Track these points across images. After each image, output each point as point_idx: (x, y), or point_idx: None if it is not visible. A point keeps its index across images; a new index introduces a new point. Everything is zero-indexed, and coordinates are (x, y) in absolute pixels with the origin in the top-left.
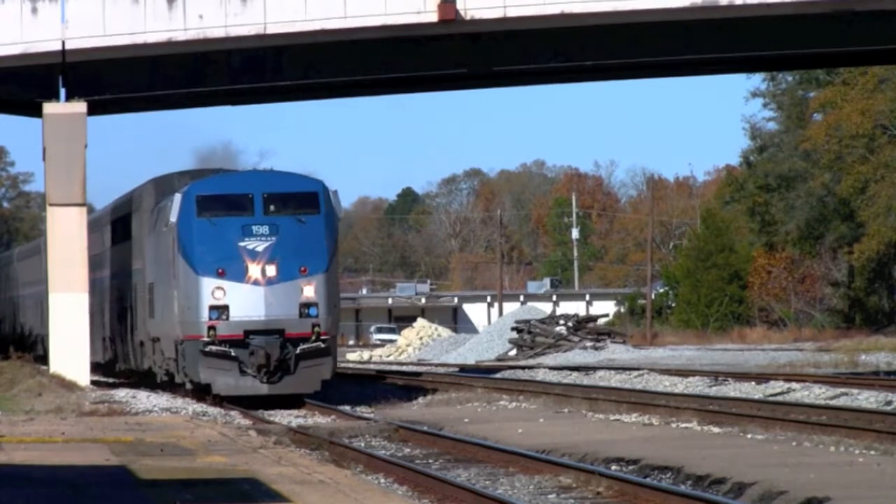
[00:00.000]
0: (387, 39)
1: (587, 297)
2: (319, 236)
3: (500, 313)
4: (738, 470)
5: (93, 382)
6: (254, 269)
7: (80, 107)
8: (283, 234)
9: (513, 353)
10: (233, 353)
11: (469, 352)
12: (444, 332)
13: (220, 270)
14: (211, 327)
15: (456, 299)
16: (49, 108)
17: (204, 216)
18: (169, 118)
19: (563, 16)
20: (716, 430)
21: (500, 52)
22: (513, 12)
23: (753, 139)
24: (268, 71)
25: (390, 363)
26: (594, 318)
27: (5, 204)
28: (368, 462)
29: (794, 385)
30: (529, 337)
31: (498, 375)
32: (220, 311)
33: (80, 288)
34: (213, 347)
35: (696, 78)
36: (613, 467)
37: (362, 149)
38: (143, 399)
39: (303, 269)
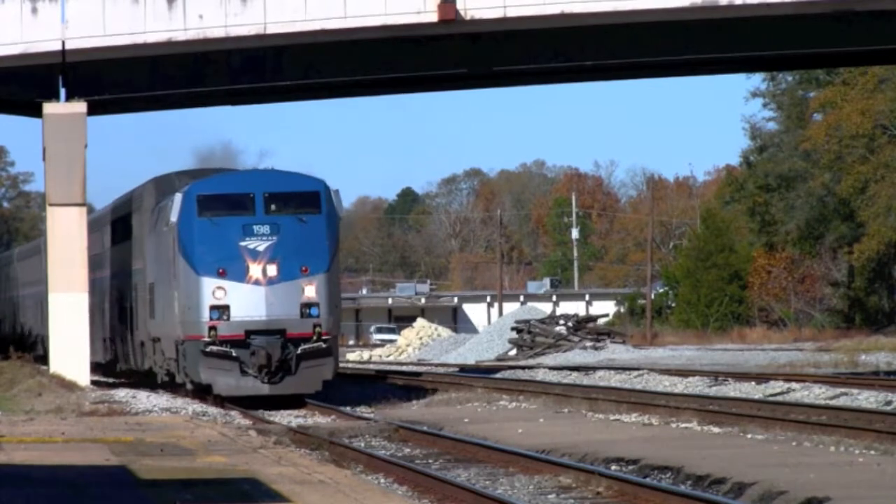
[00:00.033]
0: (387, 39)
1: (587, 297)
2: (321, 236)
3: (500, 313)
4: (738, 470)
5: (93, 382)
6: (255, 269)
7: (80, 107)
8: (284, 234)
9: (513, 353)
10: (234, 354)
11: (469, 352)
12: (444, 332)
13: (220, 270)
14: (212, 327)
15: (456, 299)
16: (49, 108)
17: (205, 216)
18: (169, 118)
19: (563, 16)
20: (716, 430)
21: (500, 52)
22: (513, 12)
23: (753, 139)
24: (268, 71)
25: (390, 363)
26: (594, 318)
27: (5, 204)
28: (368, 462)
29: (794, 385)
30: (529, 337)
31: (498, 375)
32: (221, 311)
33: (80, 288)
34: (214, 348)
35: (696, 78)
36: (613, 467)
37: (362, 149)
38: (143, 399)
39: (304, 268)
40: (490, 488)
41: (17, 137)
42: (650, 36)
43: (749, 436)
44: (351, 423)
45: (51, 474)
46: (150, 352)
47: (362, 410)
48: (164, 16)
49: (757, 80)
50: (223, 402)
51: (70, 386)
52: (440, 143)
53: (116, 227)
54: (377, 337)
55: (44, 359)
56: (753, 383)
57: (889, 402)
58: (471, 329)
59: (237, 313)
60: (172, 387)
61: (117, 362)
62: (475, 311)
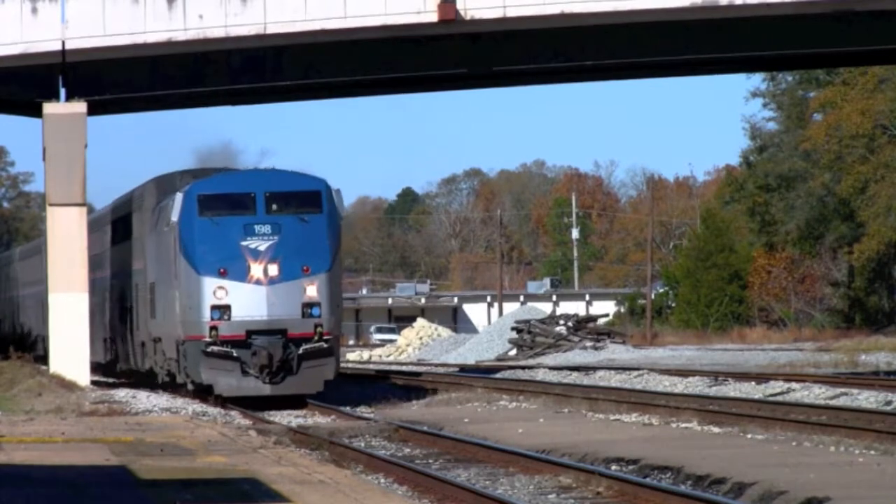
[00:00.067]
0: (387, 39)
1: (587, 297)
2: (322, 235)
3: (500, 313)
4: (738, 470)
5: (93, 382)
6: (256, 269)
7: (80, 107)
8: (285, 234)
9: (513, 353)
10: (235, 354)
11: (469, 352)
12: (444, 332)
13: (221, 270)
14: (213, 327)
15: (456, 299)
16: (49, 108)
17: (206, 215)
18: (169, 118)
19: (563, 16)
20: (716, 430)
21: (500, 52)
22: (513, 12)
23: (753, 139)
24: (268, 71)
25: (390, 363)
26: (594, 318)
27: (5, 204)
28: (368, 462)
29: (794, 385)
30: (529, 337)
31: (498, 375)
32: (222, 311)
33: (80, 288)
34: (215, 348)
35: (696, 78)
36: (613, 467)
37: (362, 149)
38: (143, 399)
39: (305, 268)
40: (490, 488)
41: (17, 137)
42: (650, 36)
43: (749, 436)
44: (351, 423)
45: (51, 474)
46: (150, 352)
47: (362, 410)
48: (164, 16)
49: (757, 80)
50: (224, 402)
51: (70, 386)
52: (440, 143)
53: (117, 227)
54: (377, 337)
55: (44, 359)
56: (753, 383)
57: (889, 402)
58: (471, 329)
59: (238, 313)
60: (173, 387)
61: (118, 362)
62: (475, 311)
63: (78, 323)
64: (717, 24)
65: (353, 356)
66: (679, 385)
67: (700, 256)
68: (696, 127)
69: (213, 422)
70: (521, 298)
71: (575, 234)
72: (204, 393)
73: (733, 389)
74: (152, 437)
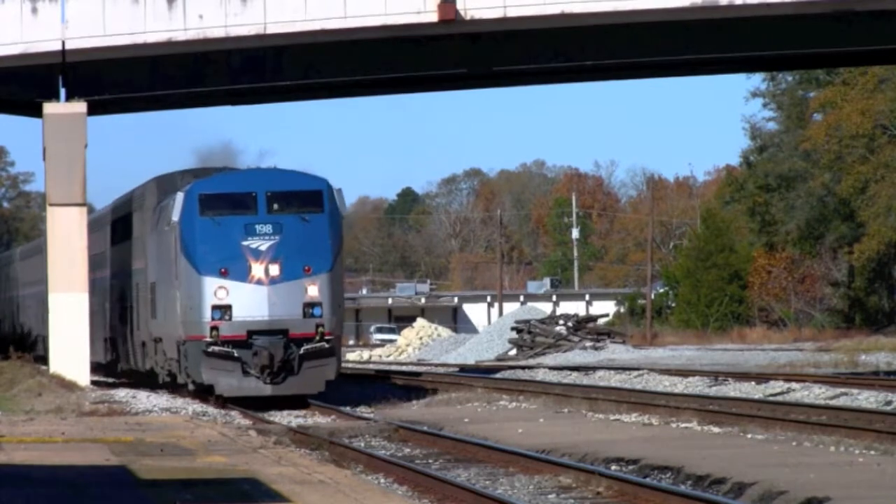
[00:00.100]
0: (387, 39)
1: (587, 297)
2: (323, 235)
3: (500, 313)
4: (738, 470)
5: (93, 382)
6: (257, 269)
7: (80, 107)
8: (286, 233)
9: (513, 353)
10: (236, 354)
11: (469, 352)
12: (444, 332)
13: (222, 270)
14: (214, 327)
15: (456, 299)
16: (49, 108)
17: (206, 215)
18: (169, 118)
19: (563, 16)
20: (716, 430)
21: (500, 52)
22: (513, 12)
23: (753, 139)
24: (268, 71)
25: (390, 363)
26: (594, 318)
27: (5, 204)
28: (368, 462)
29: (794, 385)
30: (529, 337)
31: (498, 375)
32: (223, 311)
33: (80, 288)
34: (216, 348)
35: (696, 78)
36: (613, 467)
37: (362, 149)
38: (143, 399)
39: (307, 268)
40: (490, 488)
41: (17, 137)
42: (650, 36)
43: (749, 436)
44: (351, 423)
45: (51, 474)
46: (151, 352)
47: (362, 410)
48: (164, 16)
49: (757, 80)
50: (224, 402)
51: (70, 386)
52: (440, 143)
53: (117, 227)
54: (377, 337)
55: (44, 359)
56: (753, 383)
57: (889, 402)
58: (471, 329)
59: (239, 313)
60: (174, 387)
61: (118, 362)
62: (475, 311)
63: (78, 323)
64: (717, 24)
65: (353, 356)
66: (679, 385)
67: (700, 256)
68: (696, 127)
69: (213, 422)
70: (521, 298)
71: (575, 234)
72: (205, 393)
73: (733, 389)
74: (152, 437)
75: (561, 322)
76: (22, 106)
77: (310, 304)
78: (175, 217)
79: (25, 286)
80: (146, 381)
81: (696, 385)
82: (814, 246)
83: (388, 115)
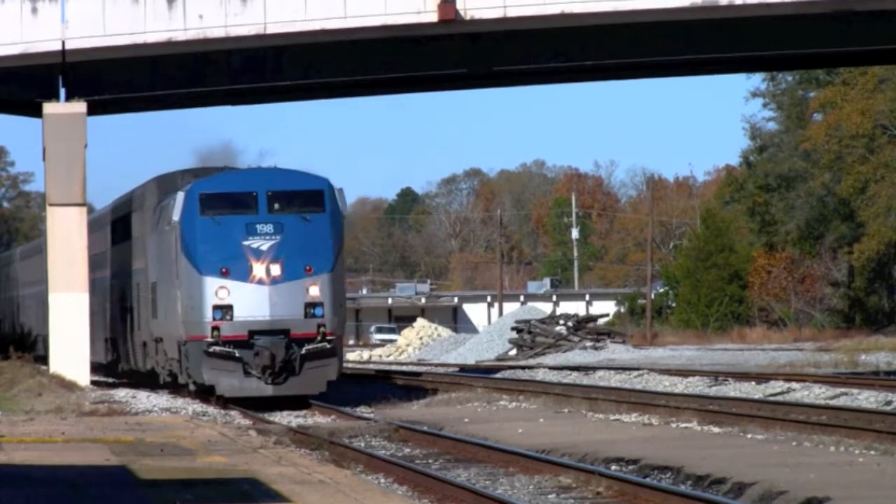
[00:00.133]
0: (387, 39)
1: (587, 297)
2: (325, 235)
3: (500, 313)
4: (738, 470)
5: (93, 382)
6: (258, 269)
7: (80, 107)
8: (287, 233)
9: (513, 353)
10: (237, 354)
11: (469, 352)
12: (444, 332)
13: (223, 270)
14: (215, 328)
15: (456, 299)
16: (49, 108)
17: (207, 215)
18: (169, 118)
19: (563, 16)
20: (716, 430)
21: (500, 52)
22: (513, 12)
23: (753, 139)
24: (268, 71)
25: (390, 363)
26: (594, 318)
27: (5, 204)
28: (368, 462)
29: (794, 385)
30: (529, 337)
31: (498, 375)
32: (224, 311)
33: (80, 288)
34: (217, 348)
35: (696, 78)
36: (613, 467)
37: (362, 149)
38: (143, 399)
39: (308, 268)
40: (490, 488)
41: (17, 137)
42: (650, 36)
43: (749, 436)
44: (351, 423)
45: (51, 474)
46: (152, 352)
47: (362, 410)
48: (164, 16)
49: (757, 80)
50: (224, 402)
51: (70, 386)
52: (440, 143)
53: (118, 227)
54: (377, 337)
55: (44, 359)
56: (753, 383)
57: (889, 402)
58: (471, 329)
59: (240, 313)
60: (175, 387)
61: (119, 363)
62: (475, 311)
63: (78, 323)
64: (717, 24)
65: (354, 356)
66: (679, 385)
67: (700, 256)
68: (696, 127)
69: (213, 422)
70: (521, 298)
71: (575, 234)
72: (205, 393)
73: (733, 389)
74: (152, 437)
75: (561, 322)
76: (22, 106)
77: (311, 304)
78: (176, 217)
79: (25, 286)
80: (147, 381)
81: (696, 385)
82: (814, 246)
83: (388, 115)
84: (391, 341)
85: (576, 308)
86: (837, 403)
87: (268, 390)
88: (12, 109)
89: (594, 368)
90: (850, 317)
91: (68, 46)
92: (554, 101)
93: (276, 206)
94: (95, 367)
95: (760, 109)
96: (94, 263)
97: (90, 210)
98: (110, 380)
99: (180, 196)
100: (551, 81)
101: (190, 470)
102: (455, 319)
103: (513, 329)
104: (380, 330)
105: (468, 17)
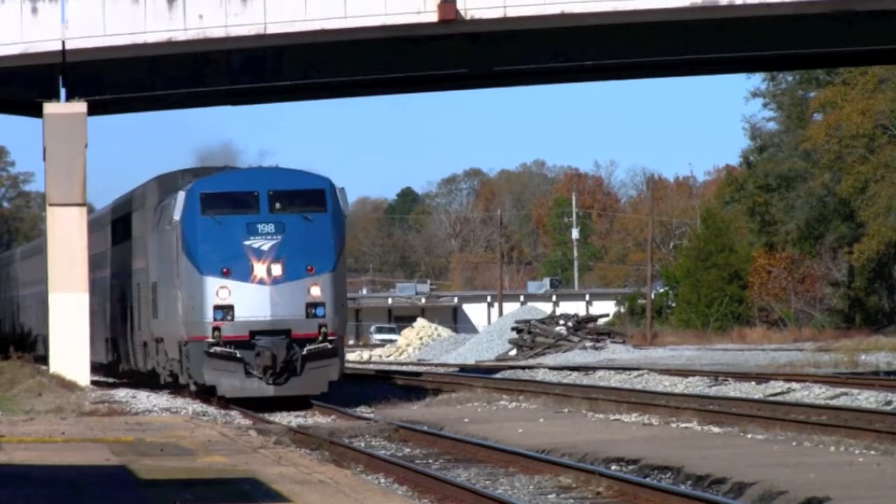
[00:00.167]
0: (387, 39)
1: (587, 297)
2: (326, 235)
3: (500, 313)
4: (738, 470)
5: (93, 382)
6: (259, 269)
7: (80, 107)
8: (289, 233)
9: (513, 353)
10: (238, 355)
11: (469, 352)
12: (444, 332)
13: (224, 270)
14: (216, 328)
15: (456, 299)
16: (49, 108)
17: (208, 214)
18: (169, 118)
19: (563, 16)
20: (716, 430)
21: (500, 52)
22: (513, 12)
23: (753, 139)
24: (268, 71)
25: (390, 363)
26: (594, 318)
27: (5, 204)
28: (368, 462)
29: (794, 385)
30: (529, 337)
31: (498, 375)
32: (225, 311)
33: (80, 288)
34: (218, 348)
35: (696, 78)
36: (613, 467)
37: (362, 149)
38: (143, 399)
39: (309, 268)
40: (490, 488)
41: (17, 137)
42: (650, 36)
43: (749, 436)
44: (351, 423)
45: (51, 474)
46: (152, 352)
47: (362, 410)
48: (164, 16)
49: (757, 80)
50: (226, 402)
51: (70, 386)
52: (440, 143)
53: (118, 227)
54: (377, 337)
55: (44, 359)
56: (753, 383)
57: (889, 402)
58: (471, 329)
59: (241, 313)
60: (175, 388)
61: (120, 363)
62: (475, 311)
63: (78, 323)
64: (717, 24)
65: (354, 356)
66: (679, 385)
67: (700, 256)
68: (696, 127)
69: (213, 422)
70: (521, 298)
71: (575, 234)
72: (206, 393)
73: (733, 389)
74: (152, 437)
75: (561, 322)
76: (22, 106)
77: (312, 305)
78: (176, 216)
79: (25, 286)
80: (147, 381)
81: (696, 385)
82: (814, 246)
83: (388, 115)
84: (391, 341)
85: (576, 308)
86: (837, 403)
87: (269, 391)
88: (12, 109)
89: (594, 368)
90: (850, 317)
91: (68, 46)
92: (554, 101)
93: (278, 205)
94: (96, 368)
95: (760, 109)
96: (95, 263)
97: (90, 210)
98: (110, 380)
99: (181, 195)
100: (551, 81)
101: (190, 470)
102: (455, 319)
103: (513, 329)
104: (380, 330)
105: (468, 17)
